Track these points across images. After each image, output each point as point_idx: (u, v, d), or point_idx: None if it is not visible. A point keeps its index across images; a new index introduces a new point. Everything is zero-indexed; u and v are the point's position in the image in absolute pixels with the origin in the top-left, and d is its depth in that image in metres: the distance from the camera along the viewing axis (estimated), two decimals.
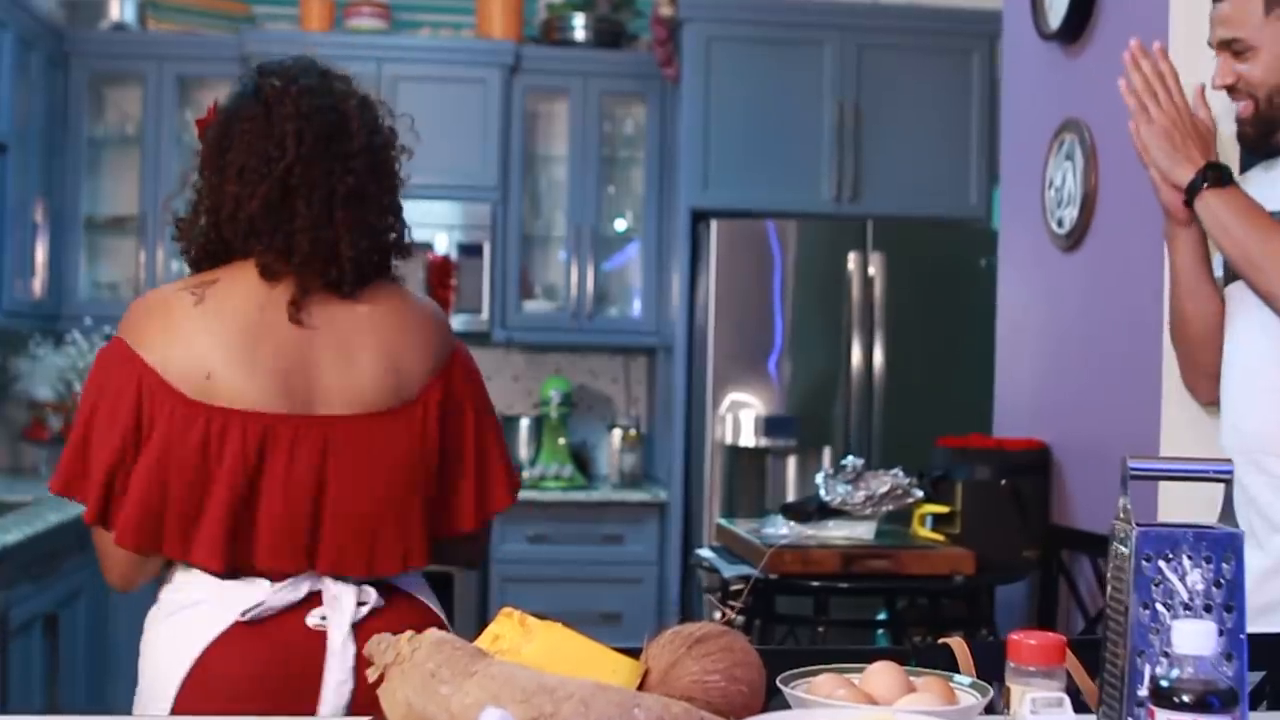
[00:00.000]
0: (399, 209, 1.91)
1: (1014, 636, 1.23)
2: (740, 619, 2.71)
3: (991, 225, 4.70)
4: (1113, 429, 2.77)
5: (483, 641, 1.25)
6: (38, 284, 4.51)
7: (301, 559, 1.71)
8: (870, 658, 1.37)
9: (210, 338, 1.70)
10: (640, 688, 1.22)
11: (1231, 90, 2.05)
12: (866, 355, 4.42)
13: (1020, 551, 2.95)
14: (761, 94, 4.63)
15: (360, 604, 1.71)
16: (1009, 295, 3.40)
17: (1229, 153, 2.14)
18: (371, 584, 1.74)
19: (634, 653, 1.28)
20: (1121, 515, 1.24)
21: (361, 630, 1.68)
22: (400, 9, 5.08)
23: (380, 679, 1.14)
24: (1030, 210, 3.15)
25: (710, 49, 4.62)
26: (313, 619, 1.70)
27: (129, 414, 1.68)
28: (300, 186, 1.74)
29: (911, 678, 1.30)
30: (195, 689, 1.66)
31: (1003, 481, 2.96)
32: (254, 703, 1.61)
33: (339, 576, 1.73)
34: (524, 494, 4.74)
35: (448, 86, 4.83)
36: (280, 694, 1.64)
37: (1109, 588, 1.26)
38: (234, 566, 1.70)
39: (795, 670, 1.30)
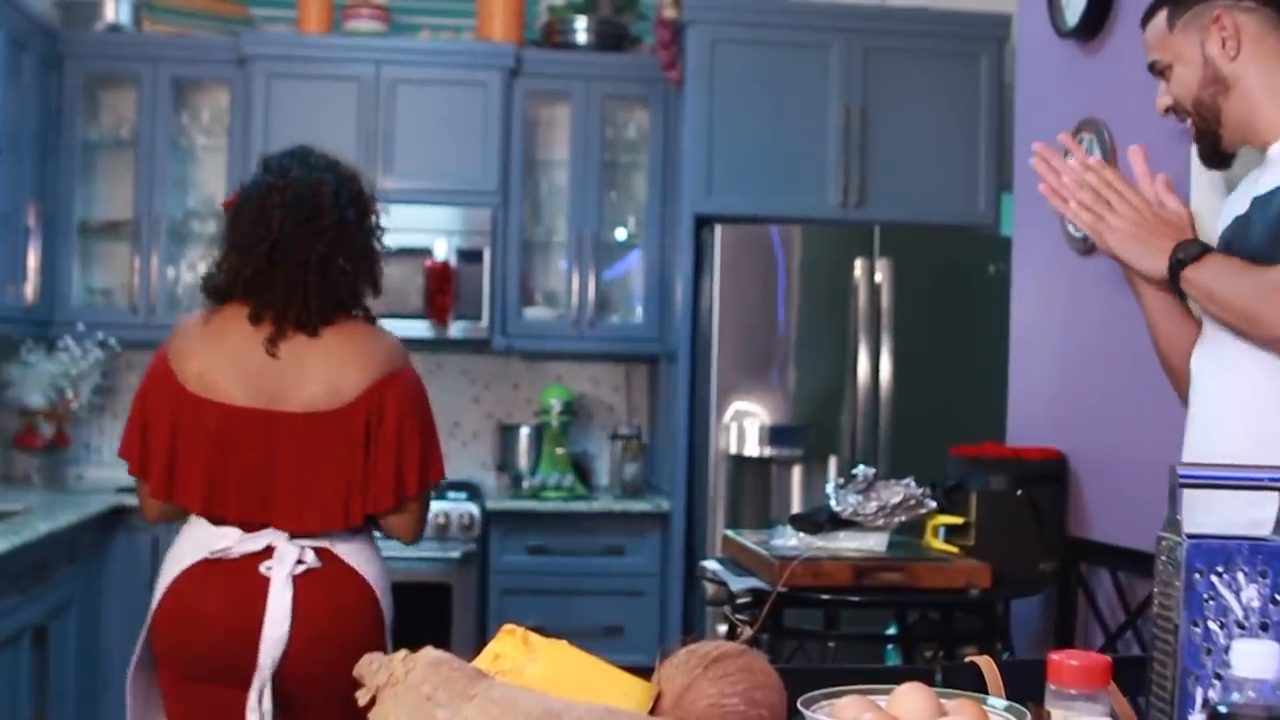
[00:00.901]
0: (371, 257, 2.55)
1: (1054, 657, 1.14)
2: (749, 633, 2.62)
3: (1000, 232, 4.63)
4: (1134, 438, 2.69)
5: (482, 661, 1.16)
6: (30, 289, 4.43)
7: (259, 513, 2.41)
8: (895, 677, 1.28)
9: (206, 349, 2.45)
10: (653, 711, 1.13)
11: (1176, 113, 2.02)
12: (873, 363, 4.34)
13: (1037, 564, 2.86)
14: (766, 97, 4.56)
15: (299, 562, 2.39)
16: (1023, 301, 3.31)
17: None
18: (317, 549, 2.42)
19: (645, 672, 1.20)
20: (1170, 526, 1.15)
21: (298, 581, 2.39)
22: (400, 11, 5.01)
23: (371, 702, 1.06)
24: (1046, 213, 3.07)
25: (714, 52, 4.55)
26: (263, 567, 2.39)
27: (153, 400, 2.44)
28: (281, 259, 2.43)
29: (942, 700, 1.22)
30: (170, 602, 2.41)
31: (1019, 492, 2.87)
32: (212, 619, 2.37)
33: (292, 536, 2.42)
34: (523, 504, 4.68)
35: (447, 90, 4.75)
36: (232, 615, 2.37)
37: (1155, 604, 1.17)
38: (211, 513, 2.42)
39: (817, 692, 1.22)
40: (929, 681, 1.32)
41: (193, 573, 2.40)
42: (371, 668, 1.06)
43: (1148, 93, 2.60)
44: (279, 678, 2.36)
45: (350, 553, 2.46)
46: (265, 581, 2.37)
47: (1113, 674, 1.30)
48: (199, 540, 2.43)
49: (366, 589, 2.46)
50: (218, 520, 2.43)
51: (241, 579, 2.38)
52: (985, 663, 1.46)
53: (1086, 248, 2.88)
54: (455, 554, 4.41)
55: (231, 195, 2.58)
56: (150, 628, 2.44)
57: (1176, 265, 1.91)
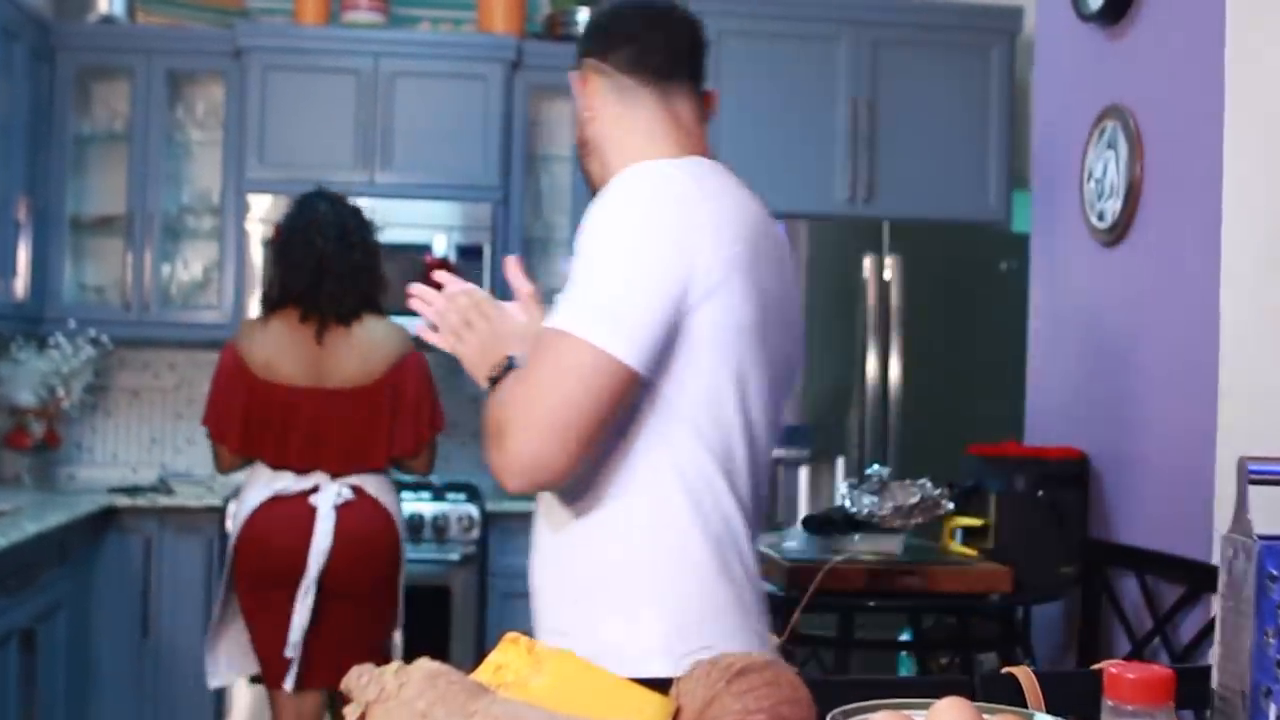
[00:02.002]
0: (380, 265, 3.45)
1: (1112, 669, 1.04)
2: (776, 641, 2.51)
3: (1012, 228, 4.53)
4: (1159, 436, 2.59)
5: (483, 673, 1.06)
6: (20, 285, 4.33)
7: (315, 460, 3.35)
8: (929, 689, 1.18)
9: (270, 345, 3.35)
10: None
11: None
12: (882, 362, 4.25)
13: (1058, 568, 2.76)
14: (773, 91, 4.46)
15: (339, 494, 3.34)
16: (1043, 295, 3.21)
17: None
18: (352, 487, 3.36)
19: (653, 683, 1.10)
20: (1238, 527, 1.05)
21: (339, 510, 3.33)
22: (398, 3, 4.91)
23: (361, 718, 0.96)
24: (1067, 204, 2.97)
25: (720, 45, 4.45)
26: (311, 500, 3.32)
27: (229, 384, 3.36)
28: (326, 272, 3.32)
29: (984, 715, 1.11)
30: (250, 526, 3.32)
31: (1039, 493, 2.77)
32: (277, 540, 3.28)
33: (334, 475, 3.36)
34: (525, 505, 4.55)
35: (447, 83, 4.65)
36: (292, 535, 3.28)
37: (1219, 611, 1.07)
38: (281, 463, 3.34)
39: (850, 706, 1.12)
40: (965, 693, 1.22)
41: (262, 509, 3.32)
42: (360, 681, 0.95)
43: (1176, 79, 2.50)
44: (324, 579, 3.27)
45: (375, 488, 3.40)
46: (313, 511, 3.29)
47: None
48: (263, 484, 3.35)
49: (387, 515, 3.41)
50: (277, 467, 3.34)
51: (296, 510, 3.30)
52: (1024, 674, 1.36)
53: (1111, 238, 2.78)
54: (454, 556, 4.31)
55: (274, 231, 3.46)
56: (234, 552, 3.32)
57: (490, 386, 1.79)
